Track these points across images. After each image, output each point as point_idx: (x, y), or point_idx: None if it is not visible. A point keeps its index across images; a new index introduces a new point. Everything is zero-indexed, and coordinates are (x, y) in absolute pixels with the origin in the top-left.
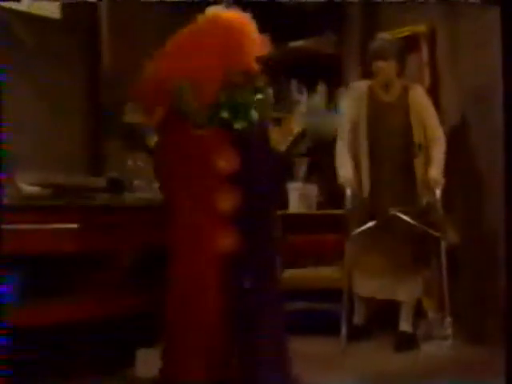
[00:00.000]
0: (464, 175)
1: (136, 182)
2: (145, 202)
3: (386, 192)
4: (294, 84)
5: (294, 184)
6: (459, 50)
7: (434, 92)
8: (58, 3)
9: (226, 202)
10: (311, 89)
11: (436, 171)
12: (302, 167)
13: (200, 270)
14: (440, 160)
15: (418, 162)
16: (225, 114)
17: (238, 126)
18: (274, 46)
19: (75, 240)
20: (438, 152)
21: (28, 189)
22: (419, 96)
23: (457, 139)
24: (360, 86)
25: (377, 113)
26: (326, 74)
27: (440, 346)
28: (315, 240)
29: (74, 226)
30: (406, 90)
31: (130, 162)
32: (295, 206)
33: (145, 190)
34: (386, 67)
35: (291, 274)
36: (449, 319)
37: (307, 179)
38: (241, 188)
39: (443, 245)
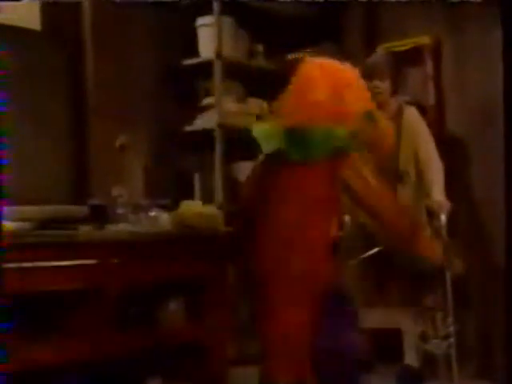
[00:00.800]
0: (469, 200)
1: (120, 211)
2: (129, 235)
3: None
4: None
5: None
6: (466, 63)
7: (438, 109)
8: (37, 13)
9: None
10: None
11: (438, 195)
12: None
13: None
14: (439, 181)
15: (403, 189)
16: None
17: None
18: (271, 57)
19: (58, 277)
20: (436, 173)
21: (7, 224)
22: (412, 118)
23: (461, 161)
24: None
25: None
26: None
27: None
28: None
29: (56, 263)
30: (399, 112)
31: (115, 191)
32: None
33: (130, 220)
34: (382, 86)
35: None
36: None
37: None
38: None
39: (448, 275)
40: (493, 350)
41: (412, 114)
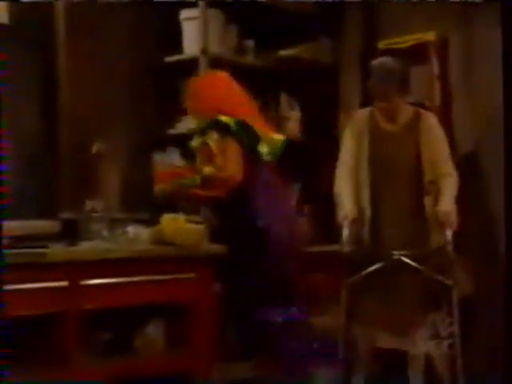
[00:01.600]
0: (478, 213)
1: (95, 227)
2: (104, 253)
3: (390, 233)
4: (283, 98)
5: None
6: (476, 61)
7: (445, 111)
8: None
9: None
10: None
11: (447, 205)
12: None
13: None
14: (451, 194)
15: (429, 201)
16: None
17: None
18: (262, 54)
19: (23, 301)
20: (449, 186)
21: None
22: (432, 126)
23: (469, 170)
24: (360, 116)
25: (380, 145)
26: (321, 86)
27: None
28: (305, 282)
29: (22, 286)
30: (416, 118)
31: (89, 204)
32: None
33: (105, 237)
34: (390, 95)
35: None
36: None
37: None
38: None
39: (455, 294)
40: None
41: (432, 122)
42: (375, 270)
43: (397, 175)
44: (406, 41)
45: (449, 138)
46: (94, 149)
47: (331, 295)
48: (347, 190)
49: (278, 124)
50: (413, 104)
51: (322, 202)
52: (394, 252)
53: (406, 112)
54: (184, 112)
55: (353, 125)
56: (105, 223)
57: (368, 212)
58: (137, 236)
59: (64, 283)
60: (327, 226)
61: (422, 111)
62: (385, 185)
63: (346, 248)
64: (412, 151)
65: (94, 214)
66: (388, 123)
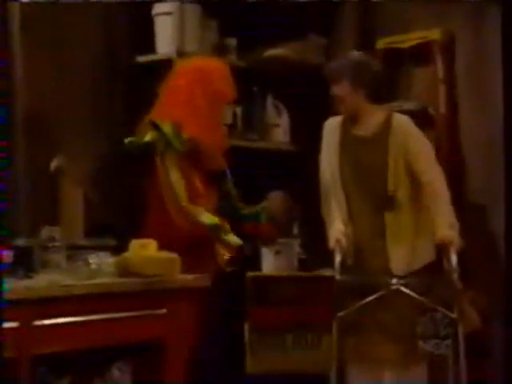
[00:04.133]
0: (486, 236)
1: (53, 257)
2: (61, 289)
3: (376, 257)
4: (269, 102)
5: None
6: (485, 63)
7: (450, 119)
8: None
9: None
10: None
11: (446, 227)
12: None
13: None
14: (445, 210)
15: (393, 217)
16: None
17: None
18: (246, 54)
19: None
20: (440, 201)
21: None
22: (403, 129)
23: (478, 185)
24: (332, 122)
25: (349, 151)
26: (311, 89)
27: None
28: (296, 311)
29: None
30: (387, 122)
31: (46, 231)
32: (269, 267)
33: (64, 268)
34: (340, 91)
35: (262, 357)
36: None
37: (287, 231)
38: None
39: (461, 329)
40: None
41: (403, 123)
42: (370, 302)
43: (368, 187)
44: (408, 39)
45: (454, 148)
46: (53, 165)
47: (325, 327)
48: (335, 217)
49: (265, 131)
50: (413, 111)
51: (314, 216)
52: (392, 280)
53: (373, 117)
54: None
55: (325, 132)
56: (64, 252)
57: (349, 229)
58: (100, 267)
59: (14, 324)
60: (320, 245)
61: (395, 114)
62: (358, 199)
63: (338, 276)
64: (380, 160)
65: (51, 242)
66: (355, 128)
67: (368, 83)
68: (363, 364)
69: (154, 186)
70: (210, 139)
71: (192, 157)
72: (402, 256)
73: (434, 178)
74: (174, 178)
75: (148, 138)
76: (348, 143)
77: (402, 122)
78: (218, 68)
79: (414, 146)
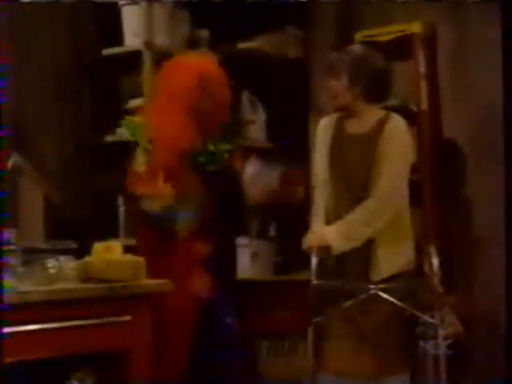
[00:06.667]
0: (465, 239)
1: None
2: (16, 296)
3: (355, 261)
4: (245, 98)
5: (244, 240)
6: (468, 57)
7: (432, 115)
8: None
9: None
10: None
11: (328, 229)
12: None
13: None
14: (352, 222)
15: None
16: (201, 159)
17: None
18: (218, 46)
19: None
20: (360, 210)
21: None
22: (391, 134)
23: (460, 183)
24: (326, 120)
25: (339, 150)
26: (288, 84)
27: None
28: (272, 317)
29: None
30: (381, 123)
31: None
32: (245, 269)
33: (20, 274)
34: (336, 87)
35: None
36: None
37: (261, 233)
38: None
39: (441, 333)
40: None
41: (394, 127)
42: (347, 307)
43: (355, 188)
44: (388, 33)
45: (437, 146)
46: (10, 163)
47: (300, 333)
48: (317, 209)
49: (239, 128)
50: (394, 107)
51: (290, 218)
52: (371, 286)
53: (372, 116)
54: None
55: (317, 133)
56: (20, 256)
57: None
58: (59, 272)
59: None
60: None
61: (392, 117)
62: (343, 197)
63: (314, 280)
64: (368, 160)
65: (7, 246)
66: (352, 126)
67: (367, 80)
68: (337, 371)
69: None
70: (165, 136)
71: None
72: (382, 260)
73: (383, 190)
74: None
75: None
76: (339, 142)
77: (395, 125)
78: (217, 74)
79: (390, 149)
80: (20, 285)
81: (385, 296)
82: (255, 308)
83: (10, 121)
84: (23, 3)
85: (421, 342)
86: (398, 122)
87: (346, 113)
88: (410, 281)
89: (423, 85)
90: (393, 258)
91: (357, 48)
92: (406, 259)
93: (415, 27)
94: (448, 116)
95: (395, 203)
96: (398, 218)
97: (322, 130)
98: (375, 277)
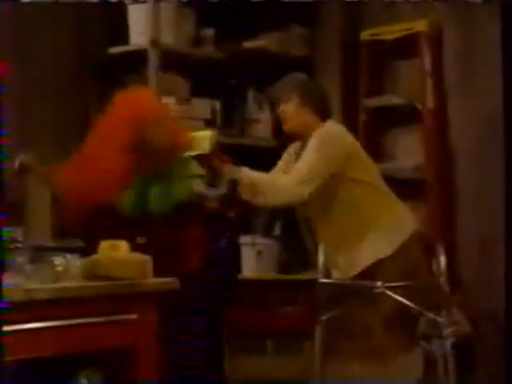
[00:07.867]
0: (472, 239)
1: (16, 260)
2: (23, 294)
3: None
4: (250, 97)
5: (250, 238)
6: (475, 56)
7: (439, 115)
8: None
9: None
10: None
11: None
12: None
13: None
14: (260, 179)
15: (327, 225)
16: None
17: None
18: (223, 45)
19: None
20: (266, 180)
21: None
22: (317, 132)
23: (466, 183)
24: (293, 146)
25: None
26: None
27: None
28: (277, 316)
29: None
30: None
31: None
32: (251, 268)
33: (27, 272)
34: (290, 109)
35: (243, 363)
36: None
37: (267, 232)
38: None
39: (448, 332)
40: None
41: (320, 129)
42: (354, 305)
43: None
44: (394, 31)
45: (442, 146)
46: (17, 162)
47: (306, 332)
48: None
49: (245, 127)
50: (400, 106)
51: (295, 217)
52: (378, 284)
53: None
54: None
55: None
56: (27, 254)
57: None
58: (66, 270)
59: None
60: (302, 245)
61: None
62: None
63: (321, 278)
64: None
65: (14, 244)
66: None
67: (315, 100)
68: (345, 368)
69: None
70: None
71: None
72: (345, 259)
73: (292, 174)
74: None
75: None
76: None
77: (321, 128)
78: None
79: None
80: (27, 282)
81: (392, 295)
82: (261, 307)
83: (14, 120)
84: (29, 3)
85: (426, 342)
86: (325, 125)
87: (305, 134)
88: (418, 279)
89: (429, 83)
90: (356, 255)
91: (297, 74)
92: (372, 253)
93: (421, 26)
94: (453, 114)
95: (300, 190)
96: (349, 214)
97: (285, 155)
98: (341, 275)
